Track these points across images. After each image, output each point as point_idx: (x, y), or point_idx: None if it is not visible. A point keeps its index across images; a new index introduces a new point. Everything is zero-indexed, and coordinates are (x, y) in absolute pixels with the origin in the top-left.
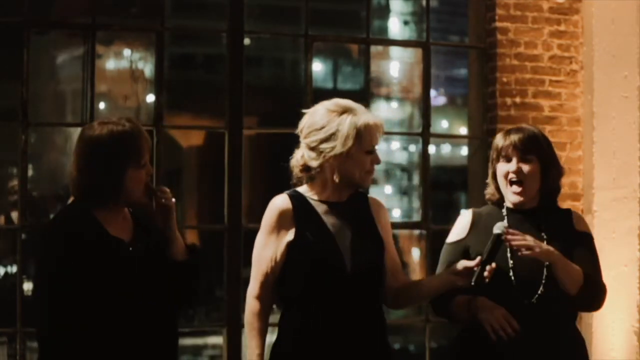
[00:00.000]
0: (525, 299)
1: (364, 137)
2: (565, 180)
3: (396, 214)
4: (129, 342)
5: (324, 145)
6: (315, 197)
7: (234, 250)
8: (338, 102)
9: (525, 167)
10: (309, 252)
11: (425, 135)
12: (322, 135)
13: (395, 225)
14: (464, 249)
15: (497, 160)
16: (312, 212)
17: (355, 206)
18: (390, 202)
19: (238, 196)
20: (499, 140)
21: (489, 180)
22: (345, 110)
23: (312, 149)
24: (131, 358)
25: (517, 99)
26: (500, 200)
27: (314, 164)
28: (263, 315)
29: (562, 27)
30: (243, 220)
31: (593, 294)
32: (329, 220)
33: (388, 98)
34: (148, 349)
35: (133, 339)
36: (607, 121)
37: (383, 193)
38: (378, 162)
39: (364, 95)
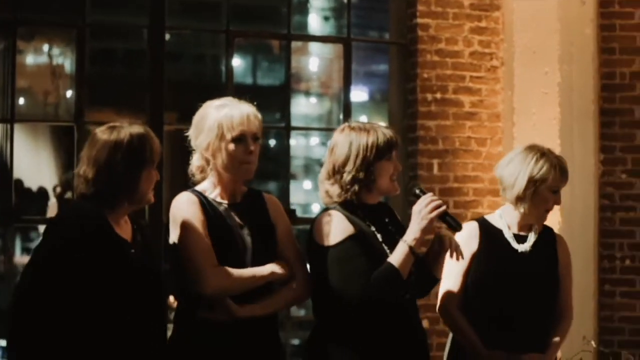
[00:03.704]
0: (406, 293)
1: (226, 128)
2: (485, 176)
3: (315, 209)
4: (124, 340)
5: (197, 142)
6: (213, 197)
7: (155, 247)
8: (218, 100)
9: None
10: (214, 249)
11: None
12: (197, 131)
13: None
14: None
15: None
16: (215, 209)
17: (252, 205)
18: (310, 197)
19: (159, 192)
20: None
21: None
22: (218, 106)
23: (195, 149)
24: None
25: (438, 95)
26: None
27: (198, 163)
28: None
29: (483, 24)
30: (164, 216)
31: None
32: (230, 220)
33: (308, 93)
34: (141, 348)
35: (128, 338)
36: (527, 117)
37: (302, 188)
38: (248, 154)
39: (285, 91)
